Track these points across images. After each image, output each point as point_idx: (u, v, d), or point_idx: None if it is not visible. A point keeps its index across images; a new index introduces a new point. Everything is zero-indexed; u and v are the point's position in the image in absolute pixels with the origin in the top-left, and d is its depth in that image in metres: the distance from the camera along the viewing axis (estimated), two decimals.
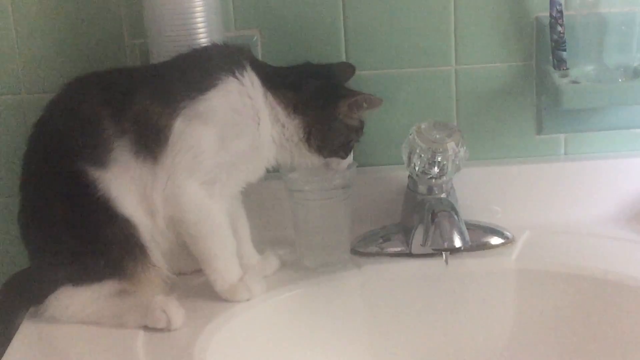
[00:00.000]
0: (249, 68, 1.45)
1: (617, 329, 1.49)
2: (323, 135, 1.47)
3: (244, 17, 1.61)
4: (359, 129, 1.50)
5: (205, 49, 1.48)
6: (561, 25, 1.56)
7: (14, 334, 1.42)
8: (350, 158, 1.52)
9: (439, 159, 1.52)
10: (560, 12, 1.56)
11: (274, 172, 1.53)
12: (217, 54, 1.46)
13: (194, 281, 1.52)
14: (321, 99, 1.47)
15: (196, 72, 1.44)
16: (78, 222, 1.41)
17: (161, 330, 1.40)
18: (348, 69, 1.53)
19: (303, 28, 1.61)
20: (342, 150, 1.50)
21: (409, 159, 1.53)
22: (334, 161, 1.50)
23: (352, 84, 1.53)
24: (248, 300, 1.47)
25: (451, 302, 1.55)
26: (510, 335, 1.55)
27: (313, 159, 1.49)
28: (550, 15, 1.56)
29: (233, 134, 1.43)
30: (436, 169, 1.52)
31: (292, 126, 1.47)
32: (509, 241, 1.60)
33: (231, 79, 1.43)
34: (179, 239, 1.46)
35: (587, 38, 1.56)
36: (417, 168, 1.52)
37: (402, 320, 1.55)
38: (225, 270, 1.46)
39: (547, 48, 1.59)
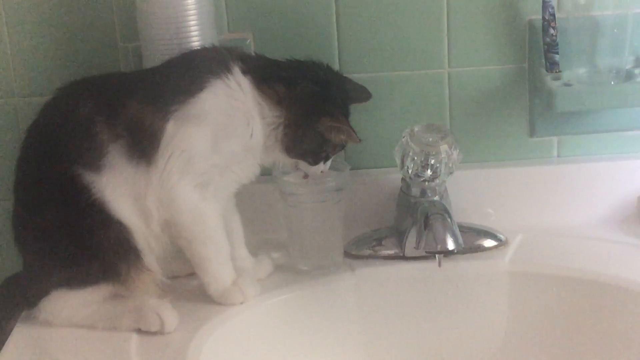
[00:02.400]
0: (236, 69, 1.45)
1: (610, 330, 1.49)
2: (295, 136, 1.46)
3: (237, 21, 1.61)
4: (337, 146, 1.49)
5: (194, 52, 1.49)
6: (554, 28, 1.56)
7: (7, 338, 1.42)
8: (326, 167, 1.50)
9: (432, 161, 1.52)
10: (553, 15, 1.56)
11: (267, 175, 1.54)
12: (206, 57, 1.46)
13: (187, 284, 1.52)
14: (308, 104, 1.46)
15: (185, 75, 1.44)
16: (72, 225, 1.41)
17: (155, 333, 1.41)
18: (364, 93, 1.51)
19: (296, 31, 1.61)
20: (310, 157, 1.48)
21: (402, 161, 1.53)
22: (303, 164, 1.49)
23: None
24: (241, 303, 1.47)
25: (445, 305, 1.55)
26: (504, 337, 1.56)
27: (283, 157, 1.48)
28: (543, 18, 1.56)
29: (224, 135, 1.43)
30: (429, 172, 1.52)
31: (270, 118, 1.46)
32: (502, 244, 1.60)
33: (218, 81, 1.43)
34: (172, 242, 1.46)
35: (580, 41, 1.56)
36: (410, 171, 1.53)
37: (395, 322, 1.56)
38: (218, 273, 1.46)
39: (540, 51, 1.59)
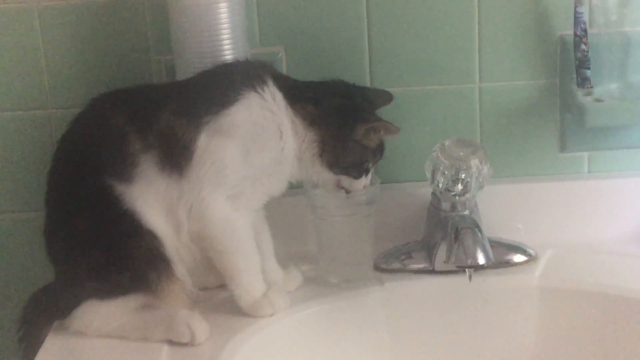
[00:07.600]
0: (270, 82, 1.46)
1: None
2: (335, 151, 1.47)
3: (270, 34, 1.62)
4: (376, 151, 1.49)
5: (228, 65, 1.49)
6: (585, 43, 1.56)
7: (39, 348, 1.43)
8: (367, 180, 1.51)
9: (463, 176, 1.52)
10: (585, 30, 1.56)
11: (298, 188, 1.54)
12: (239, 70, 1.48)
13: (217, 296, 1.52)
14: (340, 117, 1.47)
15: (218, 87, 1.45)
16: (103, 236, 1.42)
17: (185, 344, 1.41)
18: (385, 96, 1.52)
19: (328, 45, 1.62)
20: (354, 170, 1.49)
21: (433, 176, 1.53)
22: (345, 180, 1.50)
23: None
24: (271, 315, 1.47)
25: (474, 320, 1.55)
26: (533, 352, 1.55)
27: (325, 175, 1.49)
28: (575, 33, 1.56)
29: (256, 148, 1.44)
30: (460, 186, 1.52)
31: (308, 139, 1.48)
32: (532, 259, 1.60)
33: (252, 93, 1.44)
34: (203, 253, 1.46)
35: (611, 56, 1.57)
36: (440, 185, 1.53)
37: (424, 336, 1.55)
38: (249, 285, 1.47)
39: (571, 66, 1.59)
